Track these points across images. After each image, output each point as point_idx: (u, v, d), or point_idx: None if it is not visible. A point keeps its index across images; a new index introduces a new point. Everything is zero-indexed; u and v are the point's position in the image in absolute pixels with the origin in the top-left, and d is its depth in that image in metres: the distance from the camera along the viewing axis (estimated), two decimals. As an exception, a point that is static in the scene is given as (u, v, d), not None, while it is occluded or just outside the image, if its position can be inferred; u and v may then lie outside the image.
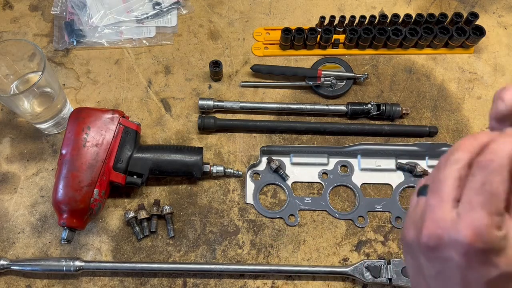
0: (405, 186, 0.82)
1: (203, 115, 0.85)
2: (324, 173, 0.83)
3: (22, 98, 0.75)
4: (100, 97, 0.88)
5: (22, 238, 0.77)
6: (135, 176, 0.76)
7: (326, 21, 0.92)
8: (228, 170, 0.80)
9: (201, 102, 0.85)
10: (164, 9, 0.94)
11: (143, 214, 0.77)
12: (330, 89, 0.88)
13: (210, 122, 0.83)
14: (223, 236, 0.78)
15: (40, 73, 0.70)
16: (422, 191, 0.40)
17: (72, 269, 0.72)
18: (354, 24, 0.92)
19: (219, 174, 0.80)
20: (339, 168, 0.83)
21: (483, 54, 0.94)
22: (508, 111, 0.39)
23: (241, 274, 0.75)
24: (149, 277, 0.75)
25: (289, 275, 0.75)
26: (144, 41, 0.93)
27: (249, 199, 0.80)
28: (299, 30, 0.89)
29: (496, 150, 0.35)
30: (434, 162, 0.83)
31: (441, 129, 0.87)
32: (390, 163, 0.83)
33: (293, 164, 0.83)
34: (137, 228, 0.77)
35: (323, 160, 0.83)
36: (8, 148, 0.84)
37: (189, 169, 0.78)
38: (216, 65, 0.86)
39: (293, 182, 0.82)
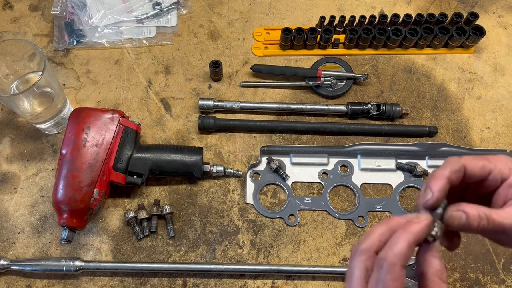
0: (405, 186, 0.82)
1: (203, 115, 0.85)
2: (324, 173, 0.83)
3: (22, 98, 0.75)
4: (100, 97, 0.88)
5: (22, 238, 0.77)
6: (135, 176, 0.76)
7: (326, 21, 0.92)
8: (228, 170, 0.80)
9: (201, 102, 0.85)
10: (164, 9, 0.94)
11: (143, 214, 0.77)
12: (330, 89, 0.88)
13: (210, 122, 0.83)
14: (223, 236, 0.78)
15: (40, 73, 0.70)
16: None
17: (72, 269, 0.72)
18: (354, 24, 0.92)
19: (219, 174, 0.80)
20: (339, 168, 0.83)
21: (483, 54, 0.94)
22: (434, 203, 0.43)
23: (241, 274, 0.75)
24: (149, 277, 0.75)
25: (289, 275, 0.75)
26: (144, 41, 0.93)
27: (249, 199, 0.80)
28: (299, 30, 0.89)
29: (390, 246, 0.40)
30: (434, 162, 0.83)
31: (441, 129, 0.87)
32: (390, 163, 0.83)
33: (293, 164, 0.83)
34: (137, 228, 0.77)
35: (323, 160, 0.83)
36: (8, 148, 0.84)
37: (189, 169, 0.78)
38: (216, 65, 0.86)
39: (293, 182, 0.82)
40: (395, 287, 0.39)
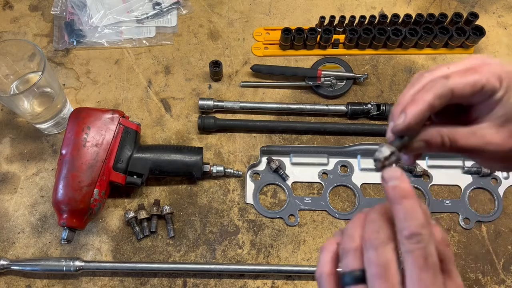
0: (405, 186, 0.82)
1: (203, 115, 0.85)
2: (324, 173, 0.83)
3: (22, 98, 0.75)
4: (100, 97, 0.88)
5: (22, 238, 0.77)
6: (135, 176, 0.76)
7: (326, 21, 0.92)
8: (228, 170, 0.80)
9: (201, 102, 0.85)
10: (164, 9, 0.94)
11: (143, 214, 0.77)
12: (330, 89, 0.88)
13: (210, 122, 0.83)
14: (223, 236, 0.78)
15: (40, 73, 0.70)
16: (350, 279, 0.37)
17: (72, 269, 0.72)
18: (354, 24, 0.92)
19: (219, 174, 0.80)
20: (339, 168, 0.83)
21: (483, 54, 0.94)
22: (404, 129, 0.39)
23: (241, 274, 0.75)
24: (149, 277, 0.75)
25: (289, 275, 0.75)
26: (144, 41, 0.93)
27: (249, 199, 0.80)
28: (299, 30, 0.89)
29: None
30: (434, 162, 0.83)
31: (441, 129, 0.87)
32: (390, 163, 0.83)
33: (293, 164, 0.83)
34: (137, 228, 0.77)
35: (323, 160, 0.83)
36: (8, 148, 0.83)
37: (189, 169, 0.78)
38: (216, 65, 0.86)
39: (293, 182, 0.82)
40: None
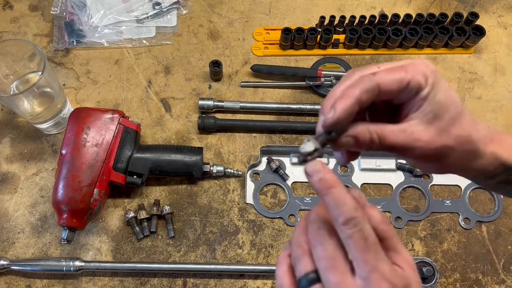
0: (405, 186, 0.82)
1: (203, 115, 0.85)
2: (324, 173, 0.83)
3: (22, 98, 0.75)
4: (100, 97, 0.88)
5: (22, 238, 0.77)
6: (135, 176, 0.76)
7: (326, 21, 0.92)
8: (228, 170, 0.80)
9: (201, 102, 0.85)
10: (164, 9, 0.94)
11: (143, 214, 0.77)
12: (330, 89, 0.88)
13: (210, 122, 0.83)
14: (223, 236, 0.78)
15: (40, 73, 0.70)
16: (306, 282, 0.38)
17: (72, 269, 0.72)
18: (354, 24, 0.92)
19: (219, 174, 0.80)
20: (339, 168, 0.83)
21: (483, 54, 0.94)
22: (333, 123, 0.40)
23: (241, 274, 0.75)
24: (149, 277, 0.75)
25: (289, 275, 0.75)
26: (144, 41, 0.93)
27: (249, 199, 0.80)
28: (299, 30, 0.89)
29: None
30: (434, 162, 0.83)
31: (441, 129, 0.87)
32: (390, 163, 0.83)
33: (293, 164, 0.83)
34: (137, 228, 0.77)
35: (323, 160, 0.83)
36: (8, 148, 0.83)
37: (189, 169, 0.77)
38: (216, 65, 0.86)
39: (293, 182, 0.82)
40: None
